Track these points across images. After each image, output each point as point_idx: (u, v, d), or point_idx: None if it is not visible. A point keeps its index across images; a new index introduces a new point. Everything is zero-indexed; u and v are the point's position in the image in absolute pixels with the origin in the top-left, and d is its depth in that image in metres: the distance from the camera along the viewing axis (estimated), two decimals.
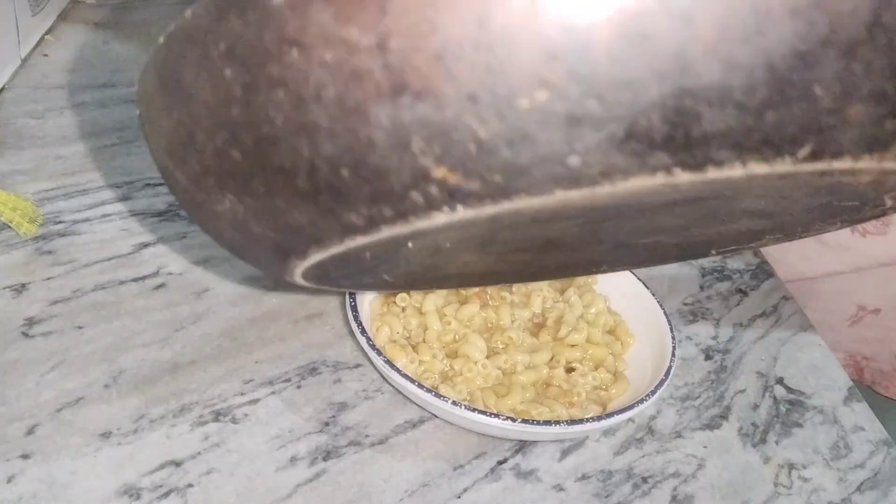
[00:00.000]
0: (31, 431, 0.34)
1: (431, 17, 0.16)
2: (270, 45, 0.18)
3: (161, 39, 0.21)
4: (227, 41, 0.19)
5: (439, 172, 0.18)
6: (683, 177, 0.17)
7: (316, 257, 0.24)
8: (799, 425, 0.45)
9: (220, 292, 0.44)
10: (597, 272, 0.42)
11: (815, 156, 0.17)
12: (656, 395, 0.38)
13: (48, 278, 0.42)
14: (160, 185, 0.51)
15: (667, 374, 0.39)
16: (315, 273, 0.27)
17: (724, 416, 0.44)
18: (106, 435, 0.35)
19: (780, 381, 0.48)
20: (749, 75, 0.16)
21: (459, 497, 0.36)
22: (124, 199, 0.49)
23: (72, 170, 0.51)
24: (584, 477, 0.38)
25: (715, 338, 0.50)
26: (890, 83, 0.17)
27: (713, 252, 0.32)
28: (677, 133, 0.16)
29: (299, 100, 0.18)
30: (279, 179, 0.20)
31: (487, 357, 0.40)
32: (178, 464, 0.34)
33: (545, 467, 0.38)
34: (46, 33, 0.66)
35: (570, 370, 0.41)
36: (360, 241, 0.22)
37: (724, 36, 0.15)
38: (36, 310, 0.40)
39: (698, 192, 0.18)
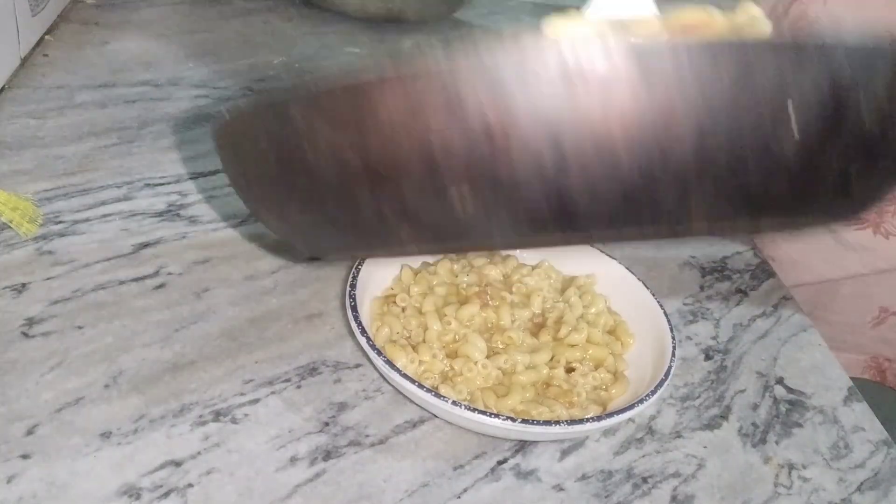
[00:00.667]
0: (31, 431, 0.34)
1: (393, 144, 0.24)
2: (290, 137, 0.26)
3: (227, 116, 0.29)
4: (267, 133, 0.27)
5: (405, 230, 0.26)
6: (573, 240, 0.25)
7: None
8: (799, 425, 0.45)
9: (220, 292, 0.44)
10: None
11: (669, 232, 0.25)
12: (656, 395, 0.38)
13: (48, 278, 0.42)
14: (160, 185, 0.51)
15: (667, 374, 0.39)
16: None
17: (724, 416, 0.44)
18: (106, 435, 0.35)
19: (780, 381, 0.48)
20: (608, 190, 0.23)
21: (459, 497, 0.36)
22: (124, 199, 0.49)
23: (72, 170, 0.51)
24: (584, 477, 0.38)
25: (715, 338, 0.50)
26: (720, 191, 0.23)
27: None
28: (563, 221, 0.24)
29: (310, 178, 0.27)
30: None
31: (487, 357, 0.40)
32: (178, 464, 0.34)
33: (545, 467, 0.38)
34: (46, 33, 0.66)
35: (570, 370, 0.41)
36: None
37: (587, 168, 0.22)
38: (36, 310, 0.40)
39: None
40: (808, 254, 0.65)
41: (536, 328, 0.43)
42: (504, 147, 0.23)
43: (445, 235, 0.26)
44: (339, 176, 0.25)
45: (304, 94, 0.26)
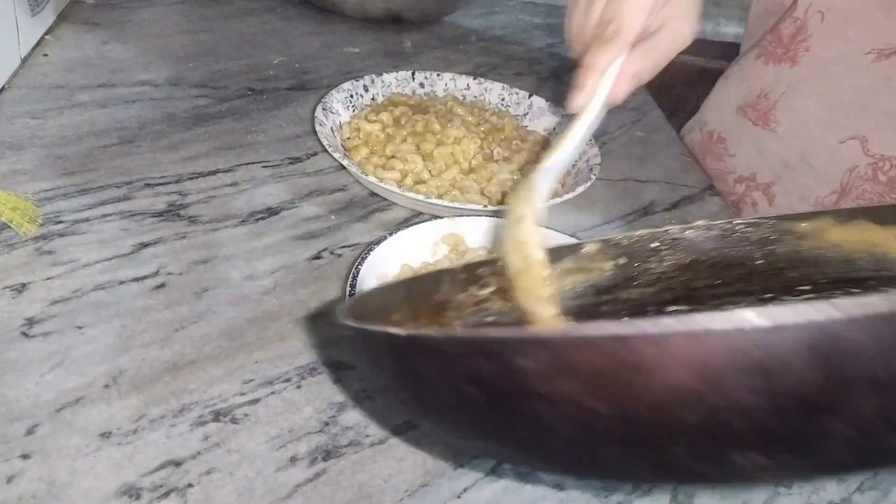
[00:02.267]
0: (31, 431, 0.34)
1: (671, 411, 0.20)
2: (518, 390, 0.21)
3: (349, 322, 0.26)
4: (471, 371, 0.22)
5: (652, 479, 0.25)
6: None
7: None
8: None
9: (220, 292, 0.44)
10: None
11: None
12: None
13: (48, 278, 0.42)
14: (160, 184, 0.51)
15: None
16: None
17: None
18: (106, 435, 0.35)
19: None
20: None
21: (459, 497, 0.36)
22: (124, 199, 0.49)
23: (72, 170, 0.51)
24: None
25: None
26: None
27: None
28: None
29: (535, 426, 0.22)
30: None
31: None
32: (178, 464, 0.34)
33: None
34: (46, 33, 0.66)
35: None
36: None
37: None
38: (36, 310, 0.40)
39: None
40: None
41: None
42: (825, 414, 0.20)
43: (701, 484, 0.24)
44: (580, 430, 0.22)
45: (535, 342, 0.21)
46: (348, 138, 0.59)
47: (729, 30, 1.14)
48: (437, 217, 0.49)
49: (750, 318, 0.18)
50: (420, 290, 0.36)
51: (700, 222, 0.38)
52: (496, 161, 0.59)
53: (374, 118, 0.60)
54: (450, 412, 0.25)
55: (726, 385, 0.19)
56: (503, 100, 0.68)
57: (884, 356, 0.19)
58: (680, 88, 0.98)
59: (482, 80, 0.69)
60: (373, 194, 0.56)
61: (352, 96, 0.62)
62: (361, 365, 0.30)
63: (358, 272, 0.41)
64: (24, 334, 0.39)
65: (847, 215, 0.36)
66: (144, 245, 0.46)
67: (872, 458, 0.22)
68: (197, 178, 0.53)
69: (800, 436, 0.20)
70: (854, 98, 0.59)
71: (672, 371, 0.19)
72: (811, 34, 0.62)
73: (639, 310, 0.37)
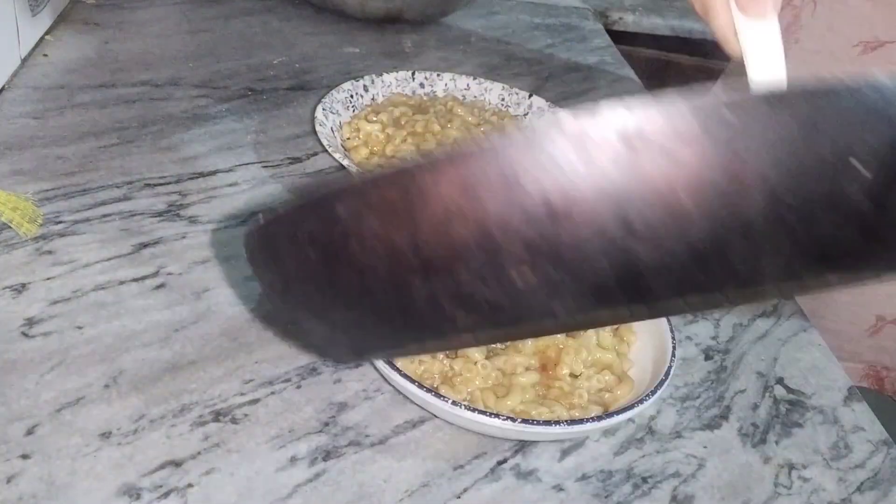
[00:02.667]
0: (31, 431, 0.34)
1: (448, 230, 0.23)
2: (335, 234, 0.25)
3: (260, 217, 0.28)
4: (308, 233, 0.26)
5: (462, 318, 0.25)
6: (638, 312, 0.24)
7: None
8: (799, 425, 0.45)
9: (220, 292, 0.44)
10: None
11: (738, 294, 0.24)
12: (656, 396, 0.38)
13: (48, 278, 0.42)
14: (160, 185, 0.51)
15: (667, 374, 0.39)
16: None
17: (724, 416, 0.44)
18: (106, 435, 0.35)
19: (780, 381, 0.48)
20: (676, 255, 0.22)
21: (459, 497, 0.36)
22: (124, 199, 0.49)
23: (72, 170, 0.51)
24: (584, 477, 0.38)
25: (715, 338, 0.50)
26: (791, 246, 0.23)
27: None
28: (629, 292, 0.23)
29: (359, 274, 0.25)
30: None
31: (487, 357, 0.40)
32: (178, 464, 0.34)
33: (545, 467, 0.38)
34: (46, 33, 0.66)
35: (574, 376, 0.41)
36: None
37: (655, 233, 0.22)
38: (36, 310, 0.40)
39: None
40: None
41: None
42: (567, 221, 0.22)
43: (504, 319, 0.25)
44: (390, 268, 0.24)
45: (348, 188, 0.25)
46: (348, 138, 0.59)
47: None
48: None
49: (494, 139, 0.22)
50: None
51: None
52: None
53: (375, 118, 0.60)
54: (303, 284, 0.28)
55: (483, 197, 0.22)
56: (503, 100, 0.68)
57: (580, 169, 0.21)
58: (680, 88, 0.98)
59: (482, 80, 0.69)
60: None
61: (352, 96, 0.62)
62: (256, 272, 0.32)
63: None
64: (24, 334, 0.39)
65: None
66: (144, 245, 0.46)
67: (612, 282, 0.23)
68: (197, 178, 0.53)
69: (553, 245, 0.22)
70: None
71: (444, 193, 0.22)
72: (803, 25, 0.62)
73: None
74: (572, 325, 0.30)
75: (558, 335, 0.41)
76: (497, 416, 0.35)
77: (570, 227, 0.22)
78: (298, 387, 0.39)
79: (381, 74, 0.65)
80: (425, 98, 0.66)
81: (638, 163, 0.21)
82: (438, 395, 0.36)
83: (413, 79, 0.67)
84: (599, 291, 0.23)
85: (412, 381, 0.36)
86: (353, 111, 0.62)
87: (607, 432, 0.41)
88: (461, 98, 0.67)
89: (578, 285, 0.23)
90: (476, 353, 0.40)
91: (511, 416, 0.36)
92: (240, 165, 0.55)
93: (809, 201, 0.22)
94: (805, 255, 0.23)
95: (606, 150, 0.21)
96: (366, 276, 0.25)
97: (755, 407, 0.45)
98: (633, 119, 0.21)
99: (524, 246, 0.22)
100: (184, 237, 0.47)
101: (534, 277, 0.23)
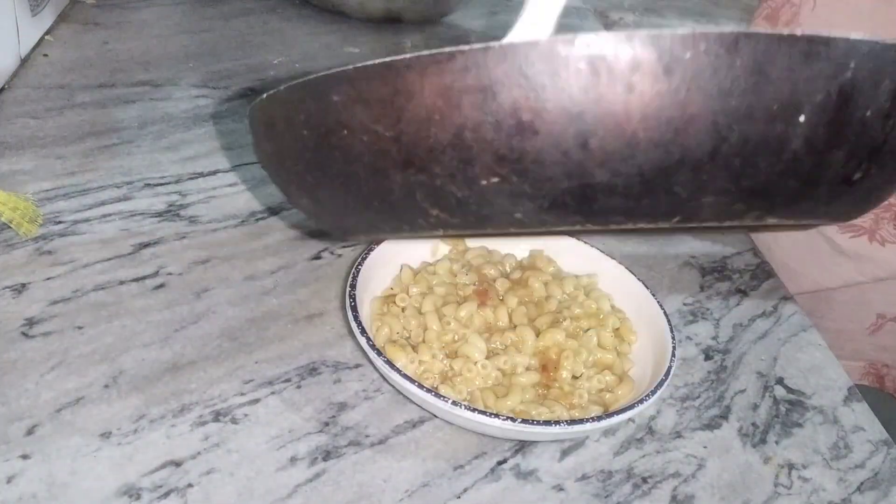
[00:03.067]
0: (31, 431, 0.34)
1: (427, 129, 0.24)
2: (327, 117, 0.27)
3: (264, 97, 0.29)
4: (304, 114, 0.28)
5: (434, 213, 0.26)
6: (592, 227, 0.26)
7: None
8: (799, 425, 0.45)
9: (220, 292, 0.44)
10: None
11: (683, 222, 0.25)
12: (656, 396, 0.38)
13: (48, 278, 0.42)
14: (160, 185, 0.51)
15: (667, 374, 0.39)
16: None
17: (724, 416, 0.44)
18: (106, 435, 0.35)
19: (780, 381, 0.48)
20: (627, 179, 0.24)
21: (459, 497, 0.36)
22: (124, 199, 0.49)
23: (72, 170, 0.51)
24: (584, 477, 0.38)
25: (715, 338, 0.50)
26: (732, 184, 0.24)
27: None
28: (583, 208, 0.25)
29: (346, 160, 0.27)
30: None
31: (487, 357, 0.40)
32: (178, 464, 0.34)
33: (545, 467, 0.38)
34: (46, 33, 0.66)
35: (575, 377, 0.41)
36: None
37: (609, 156, 0.23)
38: (36, 310, 0.40)
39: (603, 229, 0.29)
40: (805, 263, 0.65)
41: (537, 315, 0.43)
42: (532, 135, 0.23)
43: (471, 221, 0.27)
44: (373, 157, 0.26)
45: (342, 75, 0.26)
46: None
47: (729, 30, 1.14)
48: None
49: (477, 50, 0.23)
50: None
51: None
52: None
53: None
54: (296, 162, 0.30)
55: (461, 104, 0.23)
56: None
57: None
58: None
59: None
60: None
61: None
62: (256, 144, 0.34)
63: (358, 272, 0.41)
64: (24, 334, 0.39)
65: None
66: (144, 245, 0.46)
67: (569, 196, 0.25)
68: (197, 178, 0.53)
69: (519, 156, 0.24)
70: None
71: (427, 95, 0.24)
72: (802, 22, 0.62)
73: None
74: (532, 231, 0.32)
75: (558, 336, 0.41)
76: (497, 416, 0.35)
77: (535, 141, 0.23)
78: (298, 387, 0.39)
79: None
80: None
81: (599, 87, 0.23)
82: (438, 395, 0.36)
83: None
84: (556, 203, 0.25)
85: (412, 381, 0.36)
86: None
87: (607, 432, 0.41)
88: None
89: (539, 196, 0.25)
90: (476, 353, 0.40)
91: (511, 416, 0.36)
92: (240, 165, 0.55)
93: (753, 144, 0.23)
94: (745, 195, 0.25)
95: (573, 73, 0.23)
96: (352, 162, 0.27)
97: (755, 407, 0.45)
98: (601, 46, 0.22)
99: (493, 154, 0.24)
100: (184, 237, 0.47)
101: (500, 184, 0.25)
